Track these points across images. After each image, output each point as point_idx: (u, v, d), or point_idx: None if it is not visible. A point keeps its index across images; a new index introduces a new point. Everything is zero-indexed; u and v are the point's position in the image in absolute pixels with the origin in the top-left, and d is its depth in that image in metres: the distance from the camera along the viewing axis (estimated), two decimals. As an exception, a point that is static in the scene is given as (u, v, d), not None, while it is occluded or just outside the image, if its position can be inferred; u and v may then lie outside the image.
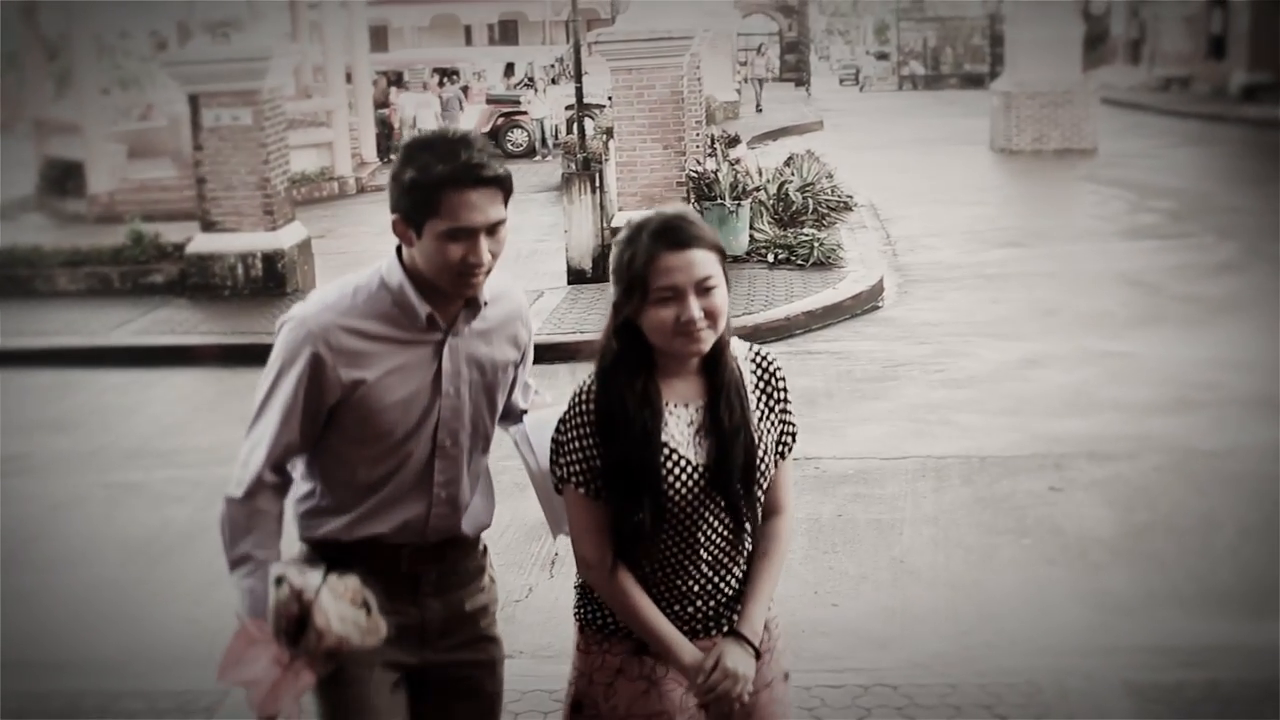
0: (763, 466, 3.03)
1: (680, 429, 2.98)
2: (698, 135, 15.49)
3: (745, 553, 3.07)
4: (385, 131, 26.94)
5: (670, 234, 2.90)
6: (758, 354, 3.12)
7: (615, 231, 13.98)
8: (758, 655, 3.03)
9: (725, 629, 3.05)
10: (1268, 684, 4.96)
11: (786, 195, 15.63)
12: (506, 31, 49.82)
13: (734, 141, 17.53)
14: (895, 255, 14.68)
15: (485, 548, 3.42)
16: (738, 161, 15.26)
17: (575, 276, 13.91)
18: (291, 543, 3.15)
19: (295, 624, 2.88)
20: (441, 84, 29.24)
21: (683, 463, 2.95)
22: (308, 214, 16.59)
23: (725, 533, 3.02)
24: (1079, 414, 8.69)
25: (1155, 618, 5.73)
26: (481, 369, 3.19)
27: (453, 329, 3.11)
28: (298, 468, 3.18)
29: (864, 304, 12.31)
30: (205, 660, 5.44)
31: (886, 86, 50.20)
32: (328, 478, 3.16)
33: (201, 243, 13.92)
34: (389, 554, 3.15)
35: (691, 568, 3.00)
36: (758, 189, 15.12)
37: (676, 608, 3.02)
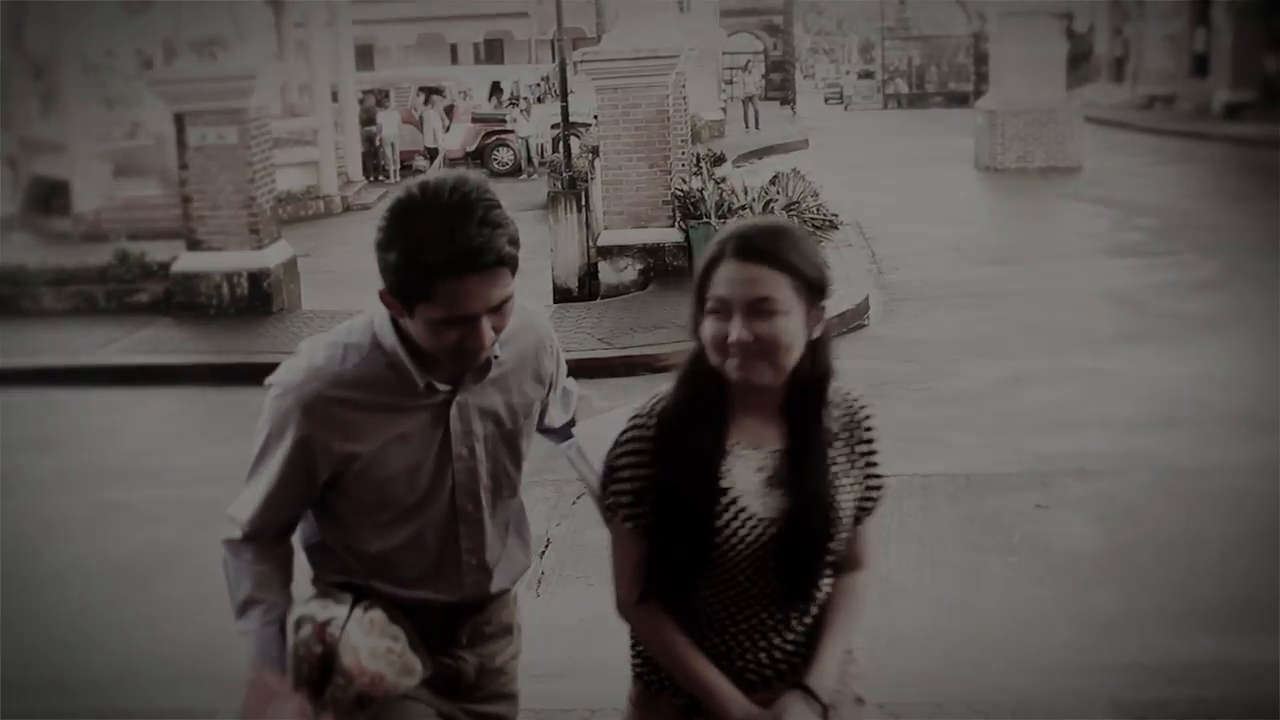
0: (837, 530, 2.68)
1: (746, 474, 2.62)
2: (683, 154, 15.53)
3: (810, 610, 2.74)
4: (371, 150, 26.96)
5: (741, 242, 2.58)
6: (847, 398, 2.77)
7: (601, 250, 14.03)
8: (824, 715, 2.65)
9: (786, 682, 2.70)
10: (1254, 700, 4.97)
11: (772, 214, 15.65)
12: (492, 50, 49.87)
13: (719, 160, 17.57)
14: (881, 273, 14.71)
15: (515, 595, 3.14)
16: (723, 180, 15.29)
17: (561, 295, 13.93)
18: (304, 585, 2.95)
19: (319, 669, 2.59)
20: (427, 102, 29.22)
21: (744, 514, 2.60)
22: (293, 233, 16.58)
23: (786, 591, 2.69)
24: (1065, 431, 8.71)
25: (1141, 635, 5.74)
26: (499, 421, 2.85)
27: (460, 385, 2.77)
28: (307, 516, 2.90)
29: (850, 322, 12.31)
30: (192, 679, 5.45)
31: (871, 105, 50.38)
32: (336, 541, 2.87)
33: (187, 261, 13.89)
34: (419, 611, 2.84)
35: (744, 622, 2.69)
36: (743, 207, 15.12)
37: (725, 662, 2.68)
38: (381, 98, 29.07)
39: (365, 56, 39.40)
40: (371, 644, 2.61)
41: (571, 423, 3.09)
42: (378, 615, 2.68)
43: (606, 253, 14.18)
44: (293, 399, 2.69)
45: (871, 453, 2.76)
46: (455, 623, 2.92)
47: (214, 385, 11.20)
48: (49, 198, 20.93)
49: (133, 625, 6.39)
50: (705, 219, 14.13)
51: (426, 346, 2.62)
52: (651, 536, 2.65)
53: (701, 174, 15.65)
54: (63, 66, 21.13)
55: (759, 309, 2.52)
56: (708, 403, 2.62)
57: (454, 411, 2.77)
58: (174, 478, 8.56)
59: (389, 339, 2.69)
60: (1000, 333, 11.77)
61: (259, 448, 2.77)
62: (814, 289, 2.59)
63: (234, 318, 13.51)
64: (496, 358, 2.76)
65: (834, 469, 2.68)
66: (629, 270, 14.09)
